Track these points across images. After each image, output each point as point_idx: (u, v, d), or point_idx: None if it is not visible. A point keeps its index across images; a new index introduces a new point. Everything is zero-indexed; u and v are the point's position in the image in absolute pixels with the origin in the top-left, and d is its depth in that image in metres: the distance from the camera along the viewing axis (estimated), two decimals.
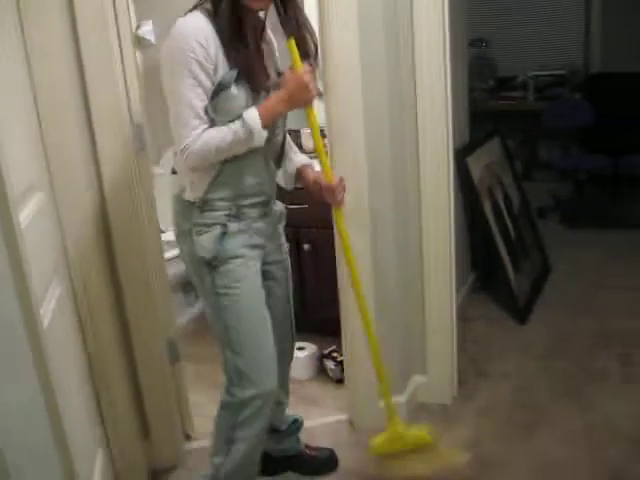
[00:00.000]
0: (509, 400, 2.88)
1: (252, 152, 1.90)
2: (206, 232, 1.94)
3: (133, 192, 2.32)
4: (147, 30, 3.82)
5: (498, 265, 3.58)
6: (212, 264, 1.95)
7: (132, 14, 3.36)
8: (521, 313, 3.56)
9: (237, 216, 1.97)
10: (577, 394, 2.88)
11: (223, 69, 1.82)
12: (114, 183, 2.27)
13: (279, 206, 2.19)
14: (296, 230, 3.24)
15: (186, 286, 3.82)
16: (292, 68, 1.91)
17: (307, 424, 2.75)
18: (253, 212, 2.01)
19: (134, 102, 2.30)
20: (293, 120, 3.66)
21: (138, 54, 2.39)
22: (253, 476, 2.22)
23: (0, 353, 1.42)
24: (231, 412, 2.07)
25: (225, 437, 2.11)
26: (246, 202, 1.98)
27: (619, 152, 5.41)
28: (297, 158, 2.21)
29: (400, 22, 2.48)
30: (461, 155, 3.52)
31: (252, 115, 1.82)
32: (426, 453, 2.33)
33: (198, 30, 1.79)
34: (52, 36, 2.08)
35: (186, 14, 1.87)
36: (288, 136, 2.18)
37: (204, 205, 1.94)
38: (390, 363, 2.68)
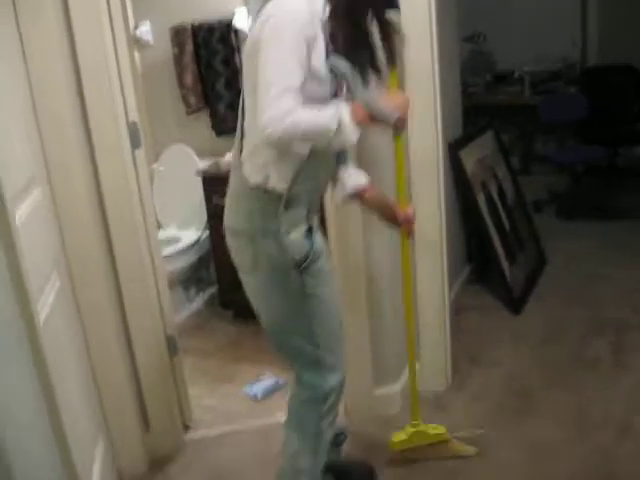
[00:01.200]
0: (502, 387, 2.93)
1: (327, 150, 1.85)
2: (294, 230, 1.86)
3: (130, 188, 2.38)
4: (145, 30, 3.91)
5: (492, 257, 3.64)
6: (302, 264, 1.87)
7: (130, 15, 3.44)
8: (515, 303, 3.61)
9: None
10: (569, 381, 2.93)
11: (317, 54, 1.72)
12: (110, 179, 2.33)
13: None
14: None
15: (186, 282, 3.89)
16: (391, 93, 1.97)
17: None
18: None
19: (129, 100, 2.36)
20: None
21: (136, 54, 2.45)
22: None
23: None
24: (316, 405, 2.05)
25: (314, 432, 2.08)
26: (317, 197, 1.97)
27: (615, 144, 5.47)
28: (357, 175, 2.09)
29: None
30: (454, 148, 3.58)
31: (345, 112, 1.72)
32: (439, 446, 2.50)
33: (306, 12, 1.70)
34: (48, 35, 2.14)
35: None
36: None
37: (291, 199, 1.83)
38: (384, 353, 2.75)
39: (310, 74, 1.71)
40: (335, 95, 1.79)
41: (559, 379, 2.95)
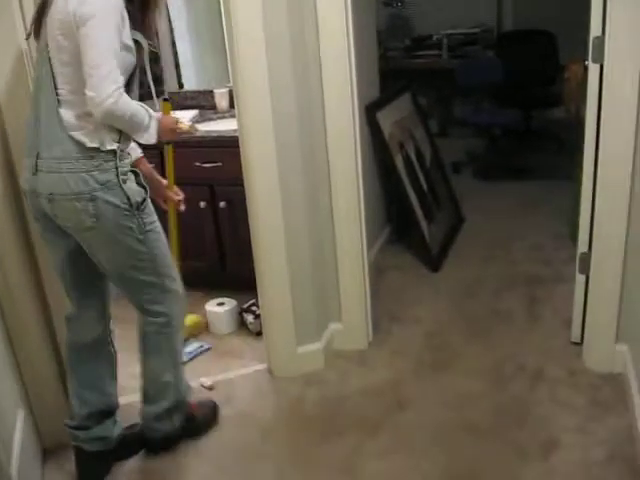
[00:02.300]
0: (422, 343, 3.01)
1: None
2: (128, 178, 2.06)
3: None
4: None
5: (411, 217, 3.70)
6: (140, 206, 2.07)
7: None
8: (434, 261, 3.70)
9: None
10: (486, 334, 3.04)
11: (127, 28, 1.95)
12: None
13: None
14: (211, 188, 3.28)
15: None
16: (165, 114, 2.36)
17: (228, 375, 2.85)
18: None
19: None
20: (208, 81, 3.69)
21: None
22: None
23: None
24: (169, 328, 2.28)
25: (171, 350, 2.34)
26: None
27: (529, 107, 5.62)
28: (135, 149, 2.31)
29: None
30: (371, 111, 3.60)
31: (154, 116, 2.09)
32: None
33: None
34: None
35: None
36: None
37: (122, 154, 2.05)
38: (306, 312, 2.79)
39: (124, 46, 1.93)
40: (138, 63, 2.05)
41: (476, 333, 3.05)
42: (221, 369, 2.92)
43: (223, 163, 3.17)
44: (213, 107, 3.70)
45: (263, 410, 2.64)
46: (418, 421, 2.50)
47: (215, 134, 3.24)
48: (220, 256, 3.41)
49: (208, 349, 3.07)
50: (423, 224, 3.73)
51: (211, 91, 3.71)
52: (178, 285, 2.29)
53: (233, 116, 2.81)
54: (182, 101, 3.79)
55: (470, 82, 5.44)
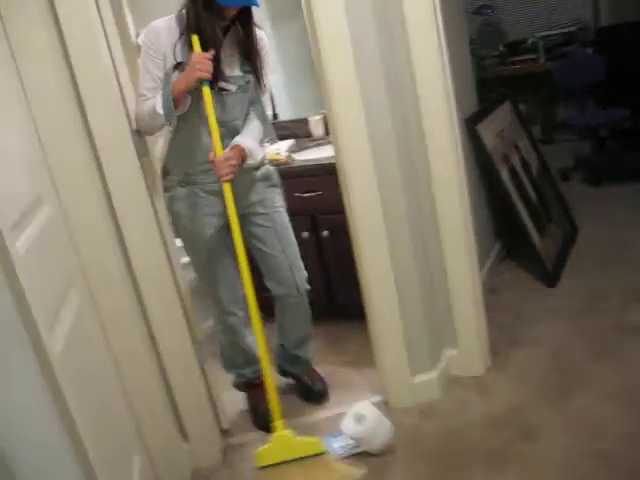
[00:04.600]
0: (544, 365, 2.83)
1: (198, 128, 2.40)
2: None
3: (141, 198, 2.33)
4: None
5: (522, 231, 3.52)
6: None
7: (130, 22, 3.39)
8: (549, 276, 3.50)
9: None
10: (615, 353, 2.81)
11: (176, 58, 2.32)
12: (120, 188, 2.29)
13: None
14: (313, 218, 3.23)
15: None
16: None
17: (343, 409, 2.76)
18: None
19: (132, 108, 2.31)
20: (301, 110, 3.68)
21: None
22: None
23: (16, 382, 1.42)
24: None
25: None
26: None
27: (636, 103, 5.30)
28: (236, 139, 2.45)
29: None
30: (471, 124, 3.47)
31: (158, 102, 2.28)
32: (319, 467, 2.38)
33: (153, 28, 2.35)
34: (39, 43, 2.08)
35: None
36: (252, 122, 2.53)
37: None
38: (418, 339, 2.68)
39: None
40: None
41: (603, 350, 2.84)
42: (336, 402, 2.85)
43: (323, 191, 3.12)
44: (309, 135, 3.67)
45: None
46: (546, 452, 2.33)
47: (312, 162, 3.20)
48: (327, 286, 3.35)
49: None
50: (535, 237, 3.54)
51: (305, 119, 3.69)
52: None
53: (329, 142, 2.76)
54: (278, 131, 3.78)
55: (571, 83, 5.20)
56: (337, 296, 3.35)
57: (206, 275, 2.65)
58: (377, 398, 2.79)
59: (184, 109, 2.34)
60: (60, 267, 2.01)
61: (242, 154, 2.42)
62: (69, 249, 2.16)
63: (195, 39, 2.28)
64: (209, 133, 2.35)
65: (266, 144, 2.69)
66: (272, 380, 2.50)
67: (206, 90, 2.31)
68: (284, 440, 2.46)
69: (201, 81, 2.28)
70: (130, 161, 2.29)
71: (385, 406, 2.74)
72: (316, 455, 2.45)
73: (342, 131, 2.44)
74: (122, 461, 2.15)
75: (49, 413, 1.54)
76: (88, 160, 2.22)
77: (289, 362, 2.94)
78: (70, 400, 1.59)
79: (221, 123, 2.36)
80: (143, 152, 2.37)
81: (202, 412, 2.61)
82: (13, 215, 1.63)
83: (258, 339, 2.49)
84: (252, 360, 2.78)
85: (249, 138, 2.48)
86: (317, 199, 3.16)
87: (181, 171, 2.48)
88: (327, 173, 2.90)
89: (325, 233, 3.23)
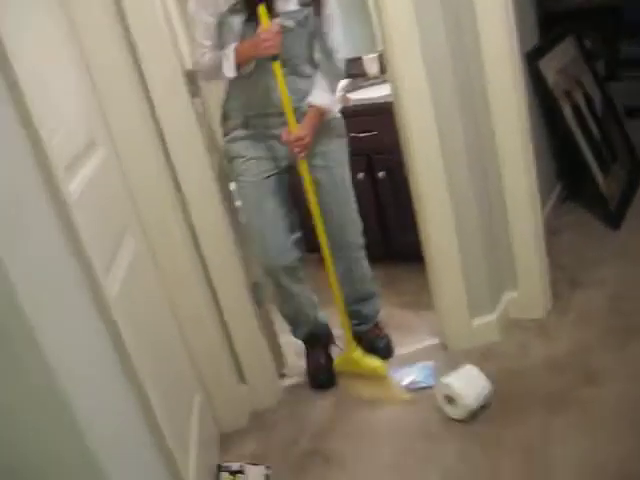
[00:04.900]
0: (608, 308, 2.74)
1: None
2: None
3: (195, 141, 2.32)
4: None
5: (585, 171, 3.39)
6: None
7: None
8: (613, 218, 3.37)
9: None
10: None
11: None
12: (174, 132, 2.28)
13: None
14: (369, 158, 3.18)
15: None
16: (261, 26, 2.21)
17: (400, 351, 2.75)
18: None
19: (183, 48, 2.29)
20: (356, 48, 3.58)
21: None
22: None
23: (73, 324, 1.43)
24: None
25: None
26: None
27: None
28: (312, 96, 2.42)
29: None
30: (532, 59, 3.32)
31: (230, 52, 2.25)
32: (377, 383, 2.56)
33: None
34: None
35: None
36: (321, 68, 2.47)
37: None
38: (478, 281, 2.64)
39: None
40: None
41: None
42: (395, 344, 2.84)
43: (379, 131, 3.05)
44: (363, 74, 3.58)
45: None
46: (608, 397, 2.27)
47: (368, 102, 3.12)
48: (382, 228, 3.30)
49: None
50: (598, 177, 3.41)
51: (360, 58, 3.59)
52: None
53: (385, 82, 2.68)
54: None
55: (638, 18, 4.93)
56: (393, 238, 3.30)
57: (253, 220, 2.53)
58: (435, 340, 2.77)
59: (248, 70, 2.31)
60: (115, 210, 2.01)
61: (318, 116, 2.42)
62: (124, 193, 2.17)
63: (263, 11, 2.20)
64: (268, 76, 2.29)
65: (339, 93, 2.62)
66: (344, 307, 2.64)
67: (276, 65, 2.26)
68: (355, 359, 2.63)
69: (271, 56, 2.24)
70: (180, 101, 2.27)
71: (443, 349, 2.71)
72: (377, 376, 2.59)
73: (399, 69, 2.36)
74: (182, 399, 2.19)
75: (108, 354, 1.55)
76: (141, 102, 2.21)
77: (351, 316, 2.77)
78: (128, 341, 1.60)
79: (282, 62, 2.29)
80: (194, 92, 2.34)
81: (260, 354, 2.63)
82: (67, 156, 1.62)
83: (330, 277, 2.57)
84: (304, 313, 2.72)
85: (323, 93, 2.43)
86: (373, 139, 3.10)
87: (241, 114, 2.43)
88: (383, 112, 2.81)
89: (381, 174, 3.18)
